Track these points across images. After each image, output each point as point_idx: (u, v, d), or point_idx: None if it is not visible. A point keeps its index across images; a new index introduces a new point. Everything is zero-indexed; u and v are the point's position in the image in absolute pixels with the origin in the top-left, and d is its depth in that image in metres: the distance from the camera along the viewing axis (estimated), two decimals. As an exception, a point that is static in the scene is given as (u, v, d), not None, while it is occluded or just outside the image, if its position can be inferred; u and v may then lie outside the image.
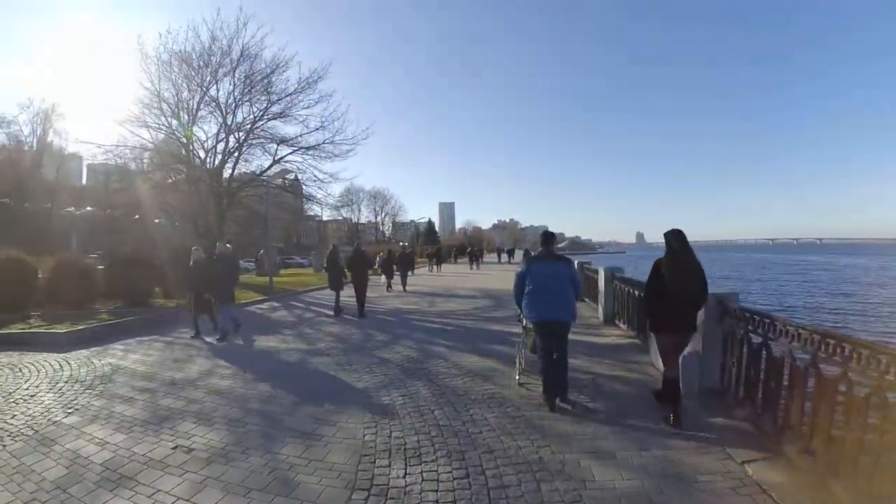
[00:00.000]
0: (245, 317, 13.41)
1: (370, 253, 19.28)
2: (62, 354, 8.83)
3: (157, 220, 27.65)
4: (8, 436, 5.07)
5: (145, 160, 24.09)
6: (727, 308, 5.28)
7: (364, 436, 4.79)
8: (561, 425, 4.90)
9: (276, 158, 24.57)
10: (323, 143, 24.42)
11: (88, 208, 27.12)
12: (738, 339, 5.03)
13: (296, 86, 23.68)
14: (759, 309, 5.25)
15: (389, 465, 4.16)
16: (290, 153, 24.68)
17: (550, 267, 5.49)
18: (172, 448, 4.64)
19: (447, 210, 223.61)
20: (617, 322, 10.56)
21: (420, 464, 4.16)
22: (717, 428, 4.70)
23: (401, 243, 69.66)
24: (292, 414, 5.49)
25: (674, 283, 4.85)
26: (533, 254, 6.59)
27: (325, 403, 5.82)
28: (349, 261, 13.68)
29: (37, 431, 5.17)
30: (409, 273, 22.67)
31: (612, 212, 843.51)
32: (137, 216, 27.54)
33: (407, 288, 20.81)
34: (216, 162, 24.34)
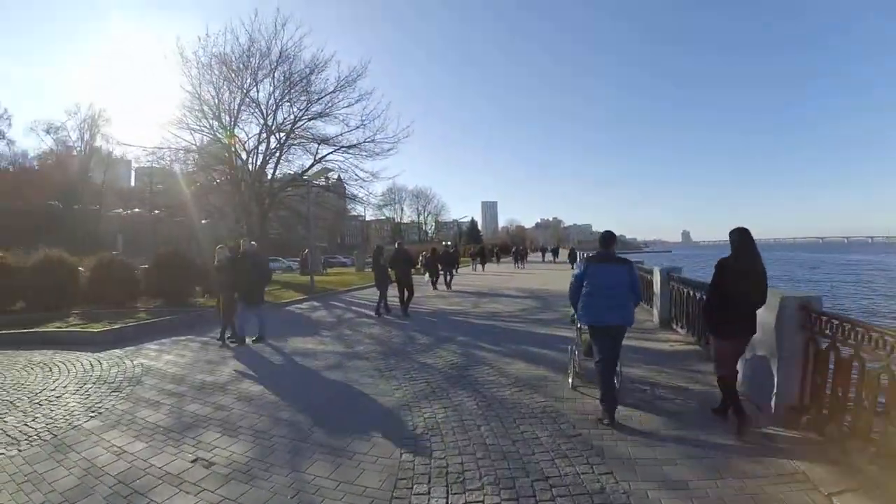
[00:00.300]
0: (285, 317, 13.20)
1: (413, 252, 18.84)
2: (95, 354, 8.68)
3: (203, 221, 27.92)
4: (25, 439, 4.84)
5: (188, 162, 24.29)
6: (811, 313, 4.57)
7: (401, 455, 4.24)
8: (623, 446, 4.26)
9: (316, 158, 24.52)
10: (364, 141, 24.23)
11: (136, 210, 27.71)
12: (822, 349, 4.40)
13: (335, 85, 23.58)
14: (850, 316, 4.49)
15: (429, 493, 3.60)
16: (330, 152, 24.59)
17: (610, 269, 5.13)
18: (192, 461, 4.24)
19: (490, 209, 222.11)
20: (674, 326, 9.75)
21: (464, 492, 3.58)
22: (798, 452, 4.02)
23: (444, 242, 69.47)
24: (323, 426, 5.00)
25: (739, 285, 4.56)
26: (587, 254, 6.05)
27: (360, 415, 5.32)
28: (391, 260, 13.40)
29: (55, 436, 4.91)
30: (454, 272, 22.29)
31: (656, 210, 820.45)
32: (181, 217, 27.94)
33: (451, 287, 20.49)
34: (258, 163, 24.43)
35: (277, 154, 24.56)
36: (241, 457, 4.29)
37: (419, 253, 25.89)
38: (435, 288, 20.29)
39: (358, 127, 24.04)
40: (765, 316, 4.88)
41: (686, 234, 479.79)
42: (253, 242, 10.65)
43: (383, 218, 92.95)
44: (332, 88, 23.50)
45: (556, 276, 26.80)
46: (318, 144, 24.33)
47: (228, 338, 9.43)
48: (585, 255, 29.93)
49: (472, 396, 5.74)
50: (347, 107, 23.92)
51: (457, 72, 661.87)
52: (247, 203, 24.15)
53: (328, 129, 25.12)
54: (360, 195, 25.78)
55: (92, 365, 7.89)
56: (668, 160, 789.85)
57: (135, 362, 8.01)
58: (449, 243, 66.31)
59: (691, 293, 8.65)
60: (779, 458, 3.94)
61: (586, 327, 5.42)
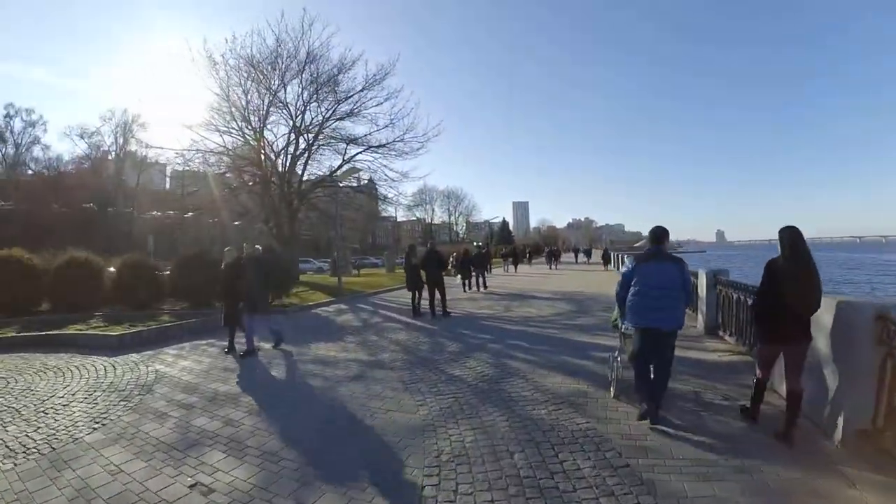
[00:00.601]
0: (309, 321, 12.85)
1: (445, 253, 18.37)
2: (112, 358, 8.43)
3: (236, 223, 27.97)
4: (23, 452, 4.55)
5: (219, 164, 24.22)
6: (891, 325, 3.90)
7: (423, 487, 3.70)
8: (676, 482, 3.63)
9: (345, 158, 24.19)
10: (393, 141, 23.82)
11: (171, 212, 27.85)
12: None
13: (363, 83, 23.22)
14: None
15: (454, 541, 3.05)
16: (359, 152, 24.26)
17: (661, 268, 4.83)
18: (190, 486, 3.82)
19: (521, 209, 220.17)
20: (721, 334, 9.02)
21: (495, 540, 3.02)
22: (872, 485, 3.45)
23: (475, 243, 68.87)
24: (337, 448, 4.50)
25: (790, 288, 4.23)
26: (623, 256, 5.46)
27: (379, 435, 4.80)
28: (421, 260, 12.99)
29: (54, 449, 4.59)
30: (486, 273, 21.71)
31: (688, 209, 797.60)
32: (214, 219, 28.00)
33: (484, 289, 20.06)
34: (287, 164, 24.27)
35: (306, 155, 24.38)
36: (244, 483, 3.83)
37: (450, 254, 25.45)
38: (466, 290, 19.87)
39: (387, 126, 23.70)
40: (823, 323, 4.43)
41: (720, 234, 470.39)
42: (258, 246, 9.84)
43: (414, 219, 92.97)
44: (360, 87, 23.19)
45: (591, 278, 26.01)
46: (347, 144, 24.06)
47: (239, 352, 8.67)
48: (623, 256, 29.13)
49: (505, 415, 5.15)
50: (376, 106, 23.59)
51: (484, 72, 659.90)
52: (276, 204, 24.03)
53: (357, 128, 25.07)
54: (390, 195, 25.43)
55: (106, 370, 7.62)
56: (701, 159, 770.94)
57: (149, 368, 7.71)
58: (480, 244, 65.71)
59: (741, 298, 7.93)
60: (849, 490, 3.39)
61: (632, 333, 5.10)
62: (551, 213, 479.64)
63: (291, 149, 24.34)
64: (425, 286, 12.81)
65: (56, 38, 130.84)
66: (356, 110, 23.51)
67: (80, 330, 10.61)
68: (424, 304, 12.89)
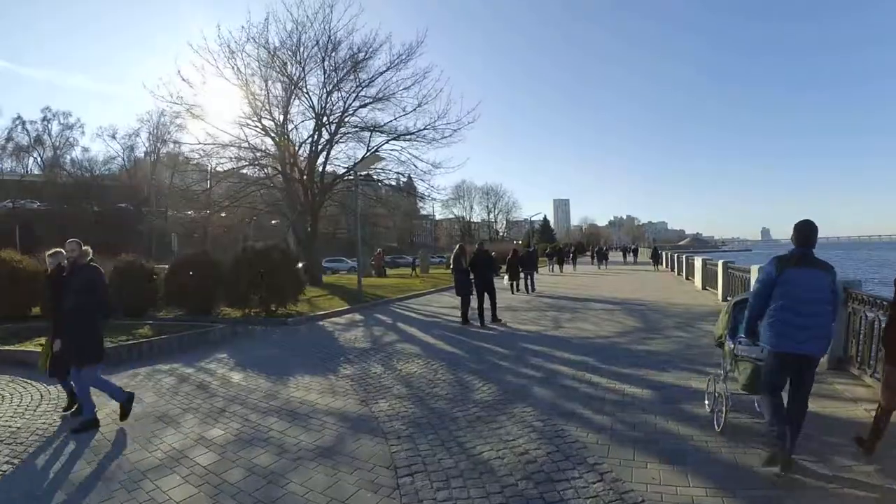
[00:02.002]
0: (308, 337, 10.62)
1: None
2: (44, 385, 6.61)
3: (273, 222, 26.31)
4: None
5: (241, 159, 22.34)
6: None
7: None
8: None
9: (369, 148, 21.90)
10: (423, 129, 21.48)
11: (206, 212, 26.41)
12: None
13: (388, 64, 20.93)
14: None
15: None
16: (385, 142, 21.98)
17: (812, 275, 3.79)
18: None
19: (562, 207, 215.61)
20: (854, 369, 6.28)
21: None
22: None
23: (514, 242, 65.93)
24: None
25: None
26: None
27: None
28: (471, 261, 11.86)
29: None
30: (535, 274, 20.35)
31: (732, 206, 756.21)
32: (249, 219, 26.30)
33: (532, 291, 18.78)
34: (307, 155, 22.22)
35: (328, 147, 22.20)
36: None
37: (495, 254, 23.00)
38: (514, 292, 18.38)
39: (414, 110, 21.25)
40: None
41: (765, 232, 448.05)
42: (87, 247, 5.34)
43: (452, 217, 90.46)
44: (384, 68, 20.87)
45: (645, 281, 23.19)
46: (371, 132, 21.69)
47: (73, 428, 5.07)
48: (675, 256, 26.29)
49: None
50: (403, 90, 21.23)
51: (524, 66, 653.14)
52: (297, 199, 22.02)
53: (383, 117, 22.50)
54: (421, 189, 23.06)
55: (33, 400, 6.05)
56: (745, 152, 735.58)
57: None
58: (519, 242, 62.80)
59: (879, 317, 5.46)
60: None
61: (748, 355, 4.31)
62: (591, 211, 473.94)
63: (314, 139, 22.33)
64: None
65: (92, 45, 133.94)
66: (381, 95, 21.27)
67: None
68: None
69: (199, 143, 21.79)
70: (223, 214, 25.36)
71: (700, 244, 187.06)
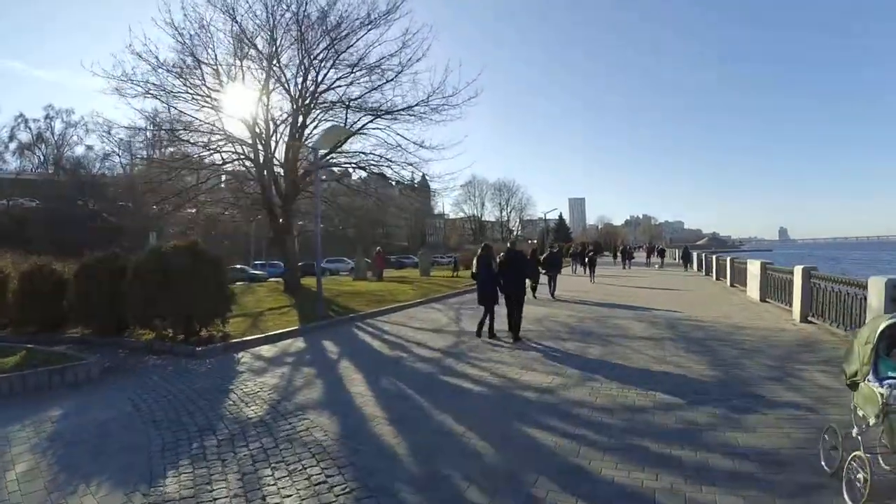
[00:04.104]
0: (203, 381, 7.16)
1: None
2: None
3: (226, 214, 22.88)
4: None
5: (203, 144, 18.91)
6: None
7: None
8: None
9: (349, 128, 18.24)
10: (413, 105, 17.91)
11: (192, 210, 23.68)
12: None
13: (363, 20, 17.38)
14: None
15: None
16: (370, 121, 18.48)
17: None
18: None
19: (577, 206, 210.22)
20: None
21: None
22: None
23: (528, 241, 62.20)
24: None
25: None
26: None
27: None
28: (501, 265, 9.82)
29: None
30: (557, 277, 18.00)
31: (749, 206, 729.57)
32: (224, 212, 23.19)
33: (555, 296, 16.52)
34: (276, 140, 18.81)
35: (302, 129, 18.73)
36: None
37: (498, 253, 19.62)
38: (535, 296, 16.03)
39: (397, 75, 17.70)
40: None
41: (783, 232, 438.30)
42: None
43: (463, 216, 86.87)
44: (360, 25, 17.40)
45: (683, 286, 19.49)
46: (347, 109, 18.08)
47: None
48: (711, 257, 22.68)
49: None
50: (390, 56, 17.65)
51: (538, 64, 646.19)
52: (267, 191, 18.75)
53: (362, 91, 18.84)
54: (407, 177, 19.64)
55: None
56: (760, 151, 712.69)
57: None
58: (534, 241, 59.05)
59: None
60: None
61: None
62: (607, 209, 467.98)
63: (290, 124, 18.87)
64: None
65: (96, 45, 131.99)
66: (361, 65, 17.71)
67: None
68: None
69: (159, 129, 18.64)
70: (193, 210, 22.07)
71: (718, 244, 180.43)
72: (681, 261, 35.77)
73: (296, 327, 11.09)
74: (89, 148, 53.87)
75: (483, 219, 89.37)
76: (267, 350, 9.37)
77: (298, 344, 9.88)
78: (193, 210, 22.22)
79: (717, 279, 22.00)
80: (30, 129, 51.95)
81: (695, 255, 34.03)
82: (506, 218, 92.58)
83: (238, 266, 39.84)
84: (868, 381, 3.22)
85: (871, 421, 3.15)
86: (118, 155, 54.15)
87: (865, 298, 7.71)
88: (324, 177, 20.21)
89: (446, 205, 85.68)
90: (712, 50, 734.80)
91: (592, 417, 5.08)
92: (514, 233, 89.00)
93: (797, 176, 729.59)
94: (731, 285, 18.51)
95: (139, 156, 21.18)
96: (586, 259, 26.05)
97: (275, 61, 17.48)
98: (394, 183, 23.03)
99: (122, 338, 10.16)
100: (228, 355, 8.87)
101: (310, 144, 16.60)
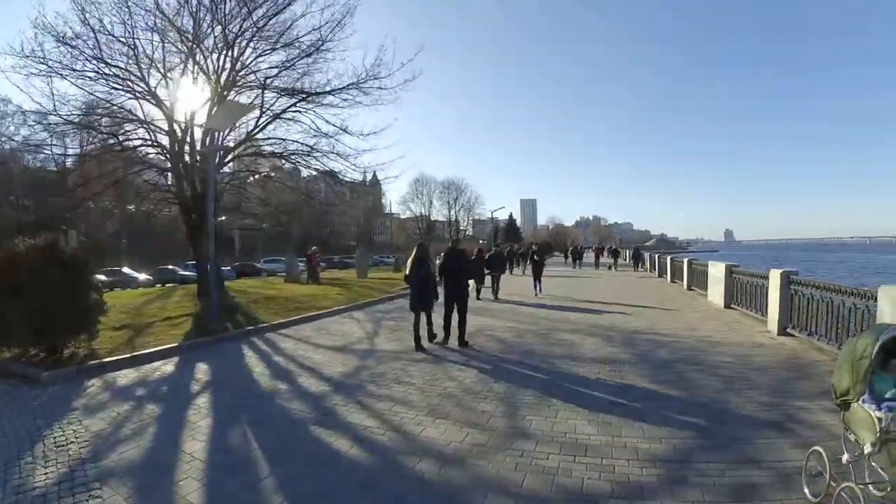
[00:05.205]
0: (20, 421, 5.09)
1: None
2: None
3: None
4: None
5: (108, 128, 16.34)
6: None
7: None
8: None
9: (263, 111, 16.33)
10: (344, 87, 15.91)
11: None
12: None
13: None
14: None
15: None
16: (293, 104, 16.42)
17: None
18: None
19: (529, 207, 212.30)
20: None
21: None
22: None
23: (479, 241, 60.77)
24: None
25: None
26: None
27: None
28: (442, 266, 9.38)
29: None
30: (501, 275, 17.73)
31: (695, 208, 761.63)
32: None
33: (498, 297, 16.10)
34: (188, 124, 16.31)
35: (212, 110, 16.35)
36: None
37: (436, 254, 18.84)
38: (479, 298, 15.72)
39: (317, 49, 15.72)
40: None
41: (729, 233, 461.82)
42: None
43: (410, 215, 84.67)
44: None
45: (637, 289, 18.51)
46: (262, 90, 15.94)
47: None
48: (661, 258, 21.73)
49: None
50: (308, 34, 15.63)
51: (492, 64, 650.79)
52: (180, 184, 16.55)
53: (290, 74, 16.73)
54: (339, 170, 17.64)
55: None
56: (704, 154, 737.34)
57: None
58: (483, 241, 57.76)
59: None
60: None
61: None
62: (558, 211, 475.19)
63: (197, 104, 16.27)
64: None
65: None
66: (280, 39, 15.60)
67: None
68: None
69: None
70: (91, 204, 19.43)
71: (666, 245, 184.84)
72: (631, 261, 35.09)
73: (174, 344, 8.89)
74: (26, 139, 49.95)
75: (432, 218, 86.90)
76: (124, 376, 7.25)
77: (167, 368, 7.77)
78: (132, 207, 19.87)
79: (673, 281, 20.92)
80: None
81: (647, 255, 33.42)
82: (454, 217, 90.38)
83: (168, 266, 37.65)
84: (863, 401, 2.87)
85: (867, 449, 2.83)
86: (49, 146, 50.07)
87: (869, 310, 6.28)
88: (230, 166, 18.03)
89: (393, 203, 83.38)
90: (678, 53, 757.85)
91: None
92: (464, 232, 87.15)
93: (743, 178, 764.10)
94: (689, 288, 17.29)
95: (71, 149, 17.75)
96: (528, 262, 23.33)
97: (190, 37, 15.15)
98: (314, 174, 20.95)
99: (59, 360, 7.86)
100: (78, 382, 6.89)
101: (202, 124, 14.44)
